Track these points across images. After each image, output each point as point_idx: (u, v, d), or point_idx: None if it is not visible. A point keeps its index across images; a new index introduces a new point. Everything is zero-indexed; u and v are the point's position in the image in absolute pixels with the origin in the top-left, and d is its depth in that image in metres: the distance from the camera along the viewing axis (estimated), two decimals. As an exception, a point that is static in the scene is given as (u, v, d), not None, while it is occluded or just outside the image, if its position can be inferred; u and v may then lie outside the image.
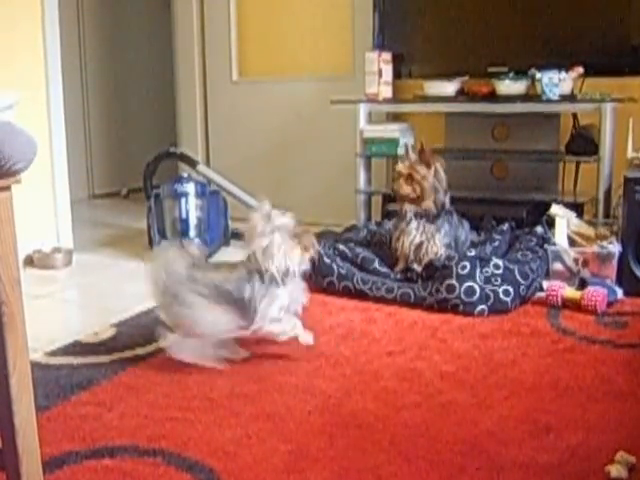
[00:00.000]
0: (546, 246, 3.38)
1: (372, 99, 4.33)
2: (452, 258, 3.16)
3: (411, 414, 2.16)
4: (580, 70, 3.90)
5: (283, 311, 2.54)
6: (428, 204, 3.32)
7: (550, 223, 3.52)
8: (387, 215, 4.09)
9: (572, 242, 3.43)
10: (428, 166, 3.30)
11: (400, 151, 4.08)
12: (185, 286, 2.46)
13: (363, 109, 4.32)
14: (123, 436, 2.05)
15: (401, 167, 3.37)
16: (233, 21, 5.26)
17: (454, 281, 3.06)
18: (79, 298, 3.65)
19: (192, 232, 4.09)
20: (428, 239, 3.31)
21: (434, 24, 4.44)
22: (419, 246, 3.33)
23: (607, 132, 3.72)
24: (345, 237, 3.79)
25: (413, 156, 3.34)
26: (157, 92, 6.56)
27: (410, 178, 3.32)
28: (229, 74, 5.31)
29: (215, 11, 5.27)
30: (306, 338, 2.60)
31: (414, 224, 3.34)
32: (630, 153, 3.50)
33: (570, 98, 3.89)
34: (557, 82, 3.81)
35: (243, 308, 2.48)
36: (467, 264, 3.07)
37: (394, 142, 4.21)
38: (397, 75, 4.45)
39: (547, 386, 2.33)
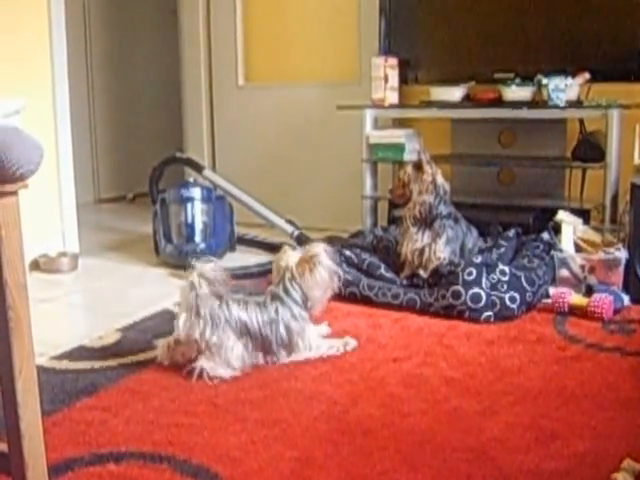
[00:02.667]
0: (552, 252, 3.37)
1: (378, 105, 4.34)
2: (458, 264, 3.16)
3: (417, 421, 2.15)
4: (587, 76, 3.90)
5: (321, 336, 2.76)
6: (410, 206, 3.37)
7: (556, 229, 3.51)
8: (393, 221, 4.09)
9: (578, 248, 3.43)
10: (420, 170, 3.33)
11: (406, 157, 4.10)
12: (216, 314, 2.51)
13: (369, 115, 4.32)
14: (129, 441, 2.05)
15: (400, 172, 3.45)
16: (239, 26, 5.26)
17: (460, 287, 3.05)
18: (84, 302, 3.65)
19: (198, 237, 4.09)
20: (429, 244, 3.32)
21: (441, 30, 4.44)
22: (421, 251, 3.33)
23: (614, 138, 3.72)
24: (351, 243, 3.79)
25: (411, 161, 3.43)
26: (163, 96, 6.57)
27: (403, 182, 3.40)
28: (235, 79, 5.32)
29: (221, 16, 5.28)
30: (351, 345, 2.76)
31: (414, 229, 3.35)
32: (637, 159, 3.49)
33: (576, 104, 3.89)
34: (563, 88, 3.80)
35: (267, 345, 2.58)
36: (473, 270, 3.07)
37: (400, 148, 4.21)
38: (403, 81, 4.46)
39: (553, 393, 2.32)
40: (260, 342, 2.55)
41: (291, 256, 2.67)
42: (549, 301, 3.16)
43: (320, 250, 2.65)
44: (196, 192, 4.16)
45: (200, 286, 2.48)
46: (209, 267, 2.53)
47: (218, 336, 2.47)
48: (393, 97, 4.37)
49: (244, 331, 2.52)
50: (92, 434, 2.09)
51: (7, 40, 3.82)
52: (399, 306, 3.18)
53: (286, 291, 2.61)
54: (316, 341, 2.68)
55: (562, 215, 3.55)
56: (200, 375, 2.46)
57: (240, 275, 3.65)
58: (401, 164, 3.92)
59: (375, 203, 4.44)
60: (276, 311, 2.58)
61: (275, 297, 2.61)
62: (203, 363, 2.48)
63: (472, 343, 2.79)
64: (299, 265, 2.63)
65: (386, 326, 3.01)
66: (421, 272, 3.33)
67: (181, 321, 2.51)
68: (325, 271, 2.63)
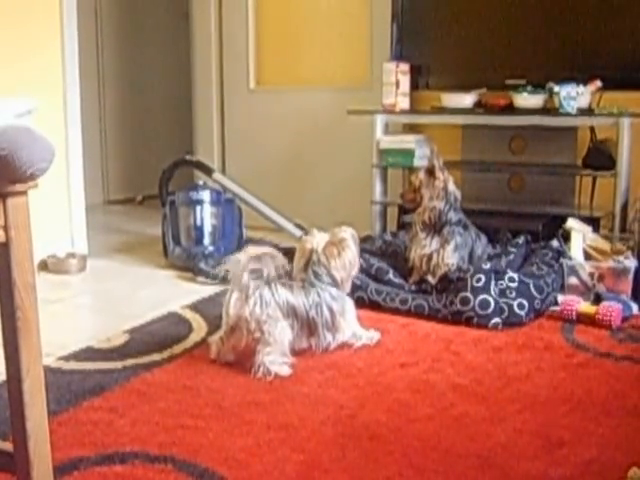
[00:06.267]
0: (561, 260, 3.36)
1: (389, 110, 4.34)
2: (466, 271, 3.15)
3: (424, 426, 2.15)
4: (598, 84, 3.89)
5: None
6: (420, 211, 3.38)
7: (566, 237, 3.50)
8: (403, 226, 4.09)
9: (588, 256, 3.42)
10: (432, 176, 3.34)
11: (416, 162, 4.10)
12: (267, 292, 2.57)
13: (380, 120, 4.32)
14: (134, 442, 2.05)
15: (412, 177, 3.46)
16: (251, 30, 5.27)
17: (469, 293, 3.05)
18: (92, 304, 3.65)
19: (206, 240, 4.09)
20: (438, 250, 3.32)
21: (452, 36, 4.44)
22: (430, 257, 3.33)
23: (624, 146, 3.71)
24: (360, 248, 3.78)
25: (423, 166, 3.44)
26: (174, 99, 6.57)
27: (414, 186, 3.41)
28: (246, 82, 5.32)
29: (233, 19, 5.29)
30: (375, 338, 2.86)
31: (423, 235, 3.36)
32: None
33: (588, 112, 3.88)
34: (575, 96, 3.80)
35: (312, 327, 2.67)
36: (482, 277, 3.06)
37: (410, 153, 4.21)
38: (414, 86, 4.46)
39: (561, 400, 2.32)
40: (306, 324, 2.64)
41: (317, 238, 2.75)
42: (557, 309, 3.15)
43: (347, 235, 2.76)
44: (205, 195, 4.16)
45: (249, 266, 2.55)
46: (257, 249, 2.62)
47: (267, 315, 2.53)
48: (404, 103, 4.37)
49: (291, 313, 2.60)
50: (98, 434, 2.09)
51: (19, 41, 3.83)
52: (407, 311, 3.18)
53: (316, 276, 2.69)
54: (356, 323, 2.81)
55: (572, 223, 3.55)
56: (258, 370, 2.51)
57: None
58: (411, 170, 3.92)
59: (384, 208, 4.43)
60: (318, 294, 2.67)
61: (310, 282, 2.68)
62: (263, 357, 2.51)
63: (480, 349, 2.79)
64: (326, 248, 2.72)
65: (394, 331, 3.00)
66: (429, 278, 3.33)
67: (232, 300, 2.57)
68: (352, 255, 2.75)
